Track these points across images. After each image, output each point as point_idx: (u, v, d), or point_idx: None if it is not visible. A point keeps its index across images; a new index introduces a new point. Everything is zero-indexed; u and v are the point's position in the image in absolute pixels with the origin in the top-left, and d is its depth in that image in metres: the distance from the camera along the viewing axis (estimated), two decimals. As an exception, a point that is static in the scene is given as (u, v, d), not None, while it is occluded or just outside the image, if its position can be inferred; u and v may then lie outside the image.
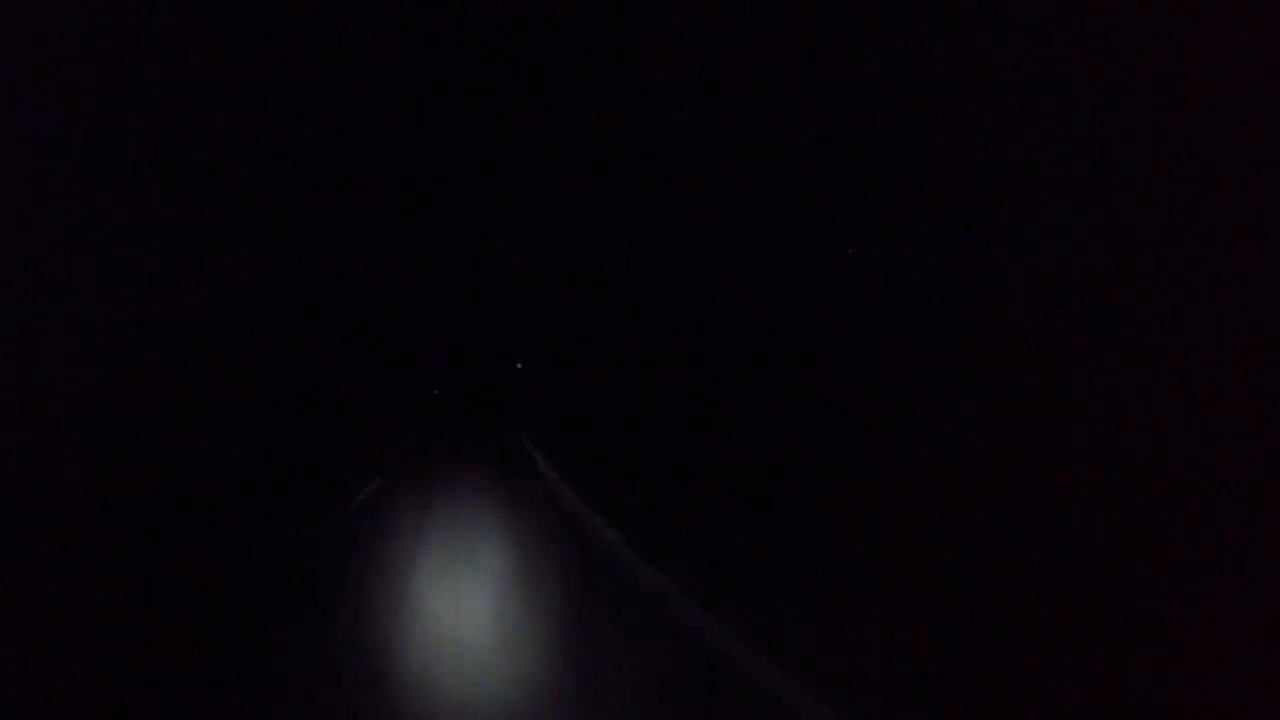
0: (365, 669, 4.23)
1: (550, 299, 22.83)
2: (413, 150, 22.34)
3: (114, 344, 6.48)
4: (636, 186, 11.55)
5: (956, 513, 4.15)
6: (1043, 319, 3.57)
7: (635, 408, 11.66)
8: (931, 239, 4.42)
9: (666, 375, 10.00)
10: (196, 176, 8.19)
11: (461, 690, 3.97)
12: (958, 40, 4.16)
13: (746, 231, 7.19)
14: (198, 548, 7.02)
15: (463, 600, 5.61)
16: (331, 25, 13.31)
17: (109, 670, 4.16)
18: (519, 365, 35.10)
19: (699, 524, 7.65)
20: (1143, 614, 3.00)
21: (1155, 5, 2.98)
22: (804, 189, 5.99)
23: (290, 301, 12.02)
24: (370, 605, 5.47)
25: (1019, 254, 3.72)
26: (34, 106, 5.48)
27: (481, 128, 21.64)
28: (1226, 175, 2.73)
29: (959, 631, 3.98)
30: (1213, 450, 2.75)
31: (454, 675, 4.16)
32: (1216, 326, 2.75)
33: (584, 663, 4.33)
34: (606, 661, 4.35)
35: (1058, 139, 3.48)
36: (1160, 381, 2.96)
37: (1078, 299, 3.36)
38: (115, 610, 5.14)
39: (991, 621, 3.85)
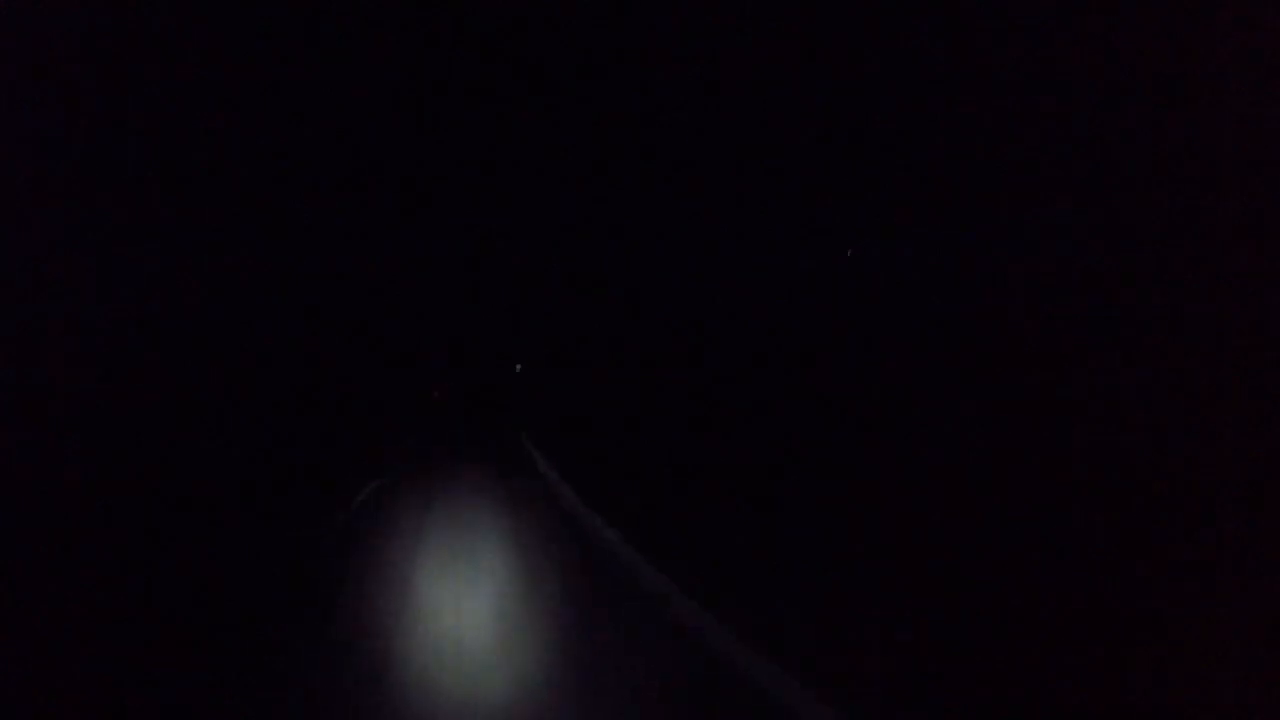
0: (365, 669, 4.23)
1: (550, 299, 22.82)
2: (413, 150, 22.34)
3: (114, 344, 6.48)
4: (636, 186, 11.55)
5: (956, 513, 4.15)
6: (1043, 319, 3.57)
7: (635, 408, 11.66)
8: (931, 239, 4.42)
9: (666, 375, 10.00)
10: (196, 176, 8.19)
11: (461, 690, 3.97)
12: (958, 40, 4.16)
13: (746, 231, 7.19)
14: (198, 548, 7.02)
15: (463, 600, 5.61)
16: (331, 25, 13.31)
17: (109, 670, 4.16)
18: (518, 367, 35.12)
19: (699, 524, 7.65)
20: (1143, 614, 3.00)
21: (1155, 5, 2.98)
22: (804, 189, 5.98)
23: (290, 301, 12.02)
24: (370, 605, 5.47)
25: (1019, 254, 3.72)
26: (34, 106, 5.48)
27: (481, 128, 21.64)
28: (1226, 175, 2.73)
29: (959, 631, 3.98)
30: (1213, 450, 2.75)
31: (454, 675, 4.16)
32: (1216, 326, 2.75)
33: (584, 662, 4.33)
34: (606, 661, 4.35)
35: (1058, 139, 3.48)
36: (1160, 381, 2.96)
37: (1078, 299, 3.36)
38: (115, 610, 5.14)
39: (991, 621, 3.85)
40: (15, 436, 5.25)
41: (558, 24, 15.00)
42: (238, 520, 8.37)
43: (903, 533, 4.64)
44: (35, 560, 5.40)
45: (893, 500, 4.76)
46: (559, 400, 21.03)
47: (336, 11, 13.38)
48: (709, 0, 7.81)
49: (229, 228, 9.24)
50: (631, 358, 11.97)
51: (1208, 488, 2.76)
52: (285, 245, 11.73)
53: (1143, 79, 3.04)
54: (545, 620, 5.07)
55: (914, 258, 4.58)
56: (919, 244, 4.53)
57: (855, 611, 4.65)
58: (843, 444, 5.40)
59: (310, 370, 13.29)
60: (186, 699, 3.81)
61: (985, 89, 3.96)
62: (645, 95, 10.68)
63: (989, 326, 3.94)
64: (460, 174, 25.01)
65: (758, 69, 6.75)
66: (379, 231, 21.31)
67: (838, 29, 5.35)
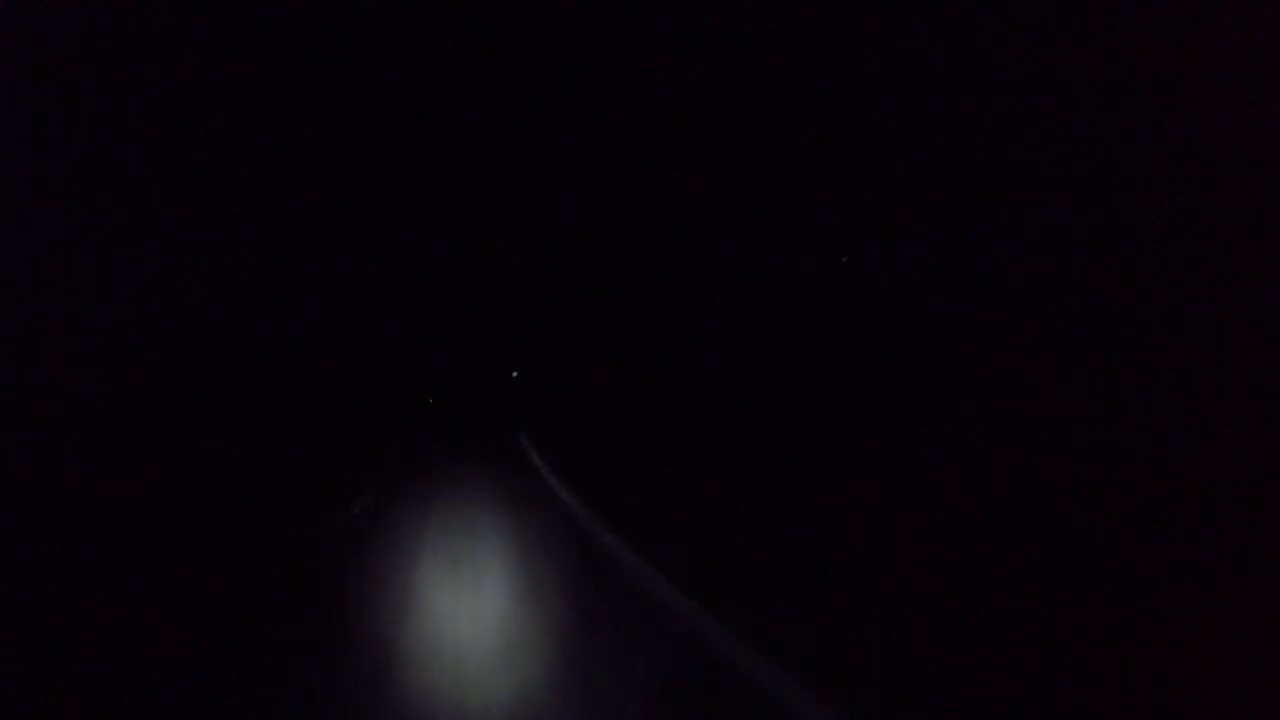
0: (365, 669, 4.23)
1: (550, 299, 22.82)
2: (413, 150, 22.34)
3: (114, 344, 6.49)
4: (636, 186, 11.55)
5: (956, 513, 4.15)
6: (1043, 319, 3.57)
7: (635, 408, 11.66)
8: (931, 239, 4.42)
9: (666, 375, 10.00)
10: (196, 176, 8.19)
11: (461, 690, 3.97)
12: (958, 40, 4.16)
13: (746, 231, 7.19)
14: (198, 548, 7.02)
15: (462, 600, 5.61)
16: (331, 25, 13.31)
17: (109, 670, 4.16)
18: (514, 374, 35.17)
19: (699, 524, 7.65)
20: (1143, 614, 3.00)
21: (1155, 5, 2.98)
22: (804, 189, 5.98)
23: (290, 301, 12.02)
24: (370, 605, 5.47)
25: (1019, 254, 3.72)
26: (34, 106, 5.48)
27: (481, 128, 21.64)
28: (1226, 175, 2.73)
29: (959, 631, 3.98)
30: (1213, 450, 2.75)
31: (454, 675, 4.16)
32: (1216, 326, 2.75)
33: (584, 662, 4.33)
34: (606, 661, 4.35)
35: (1058, 139, 3.48)
36: (1160, 381, 2.96)
37: (1078, 299, 3.36)
38: (115, 610, 5.15)
39: (991, 621, 3.85)
40: (15, 436, 5.25)
41: (558, 24, 15.00)
42: (238, 520, 8.38)
43: (903, 533, 4.64)
44: (35, 560, 5.40)
45: (893, 500, 4.76)
46: (558, 400, 21.02)
47: (336, 11, 13.38)
48: (709, 0, 7.81)
49: (229, 228, 9.24)
50: (631, 358, 11.97)
51: (1208, 488, 2.76)
52: (285, 245, 11.74)
53: (1143, 79, 3.04)
54: (544, 619, 5.07)
55: (914, 258, 4.58)
56: (919, 244, 4.53)
57: (855, 611, 4.65)
58: (843, 444, 5.39)
59: (310, 370, 13.29)
60: (186, 699, 3.81)
61: (985, 89, 3.96)
62: (645, 95, 10.67)
63: (989, 326, 3.94)
64: (460, 174, 25.01)
65: (758, 69, 6.75)
66: (379, 231, 21.31)
67: (838, 29, 5.35)
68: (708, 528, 7.44)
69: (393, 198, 23.05)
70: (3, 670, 4.05)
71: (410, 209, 26.04)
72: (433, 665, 4.31)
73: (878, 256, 4.93)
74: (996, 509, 3.84)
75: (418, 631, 4.90)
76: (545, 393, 24.24)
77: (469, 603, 5.55)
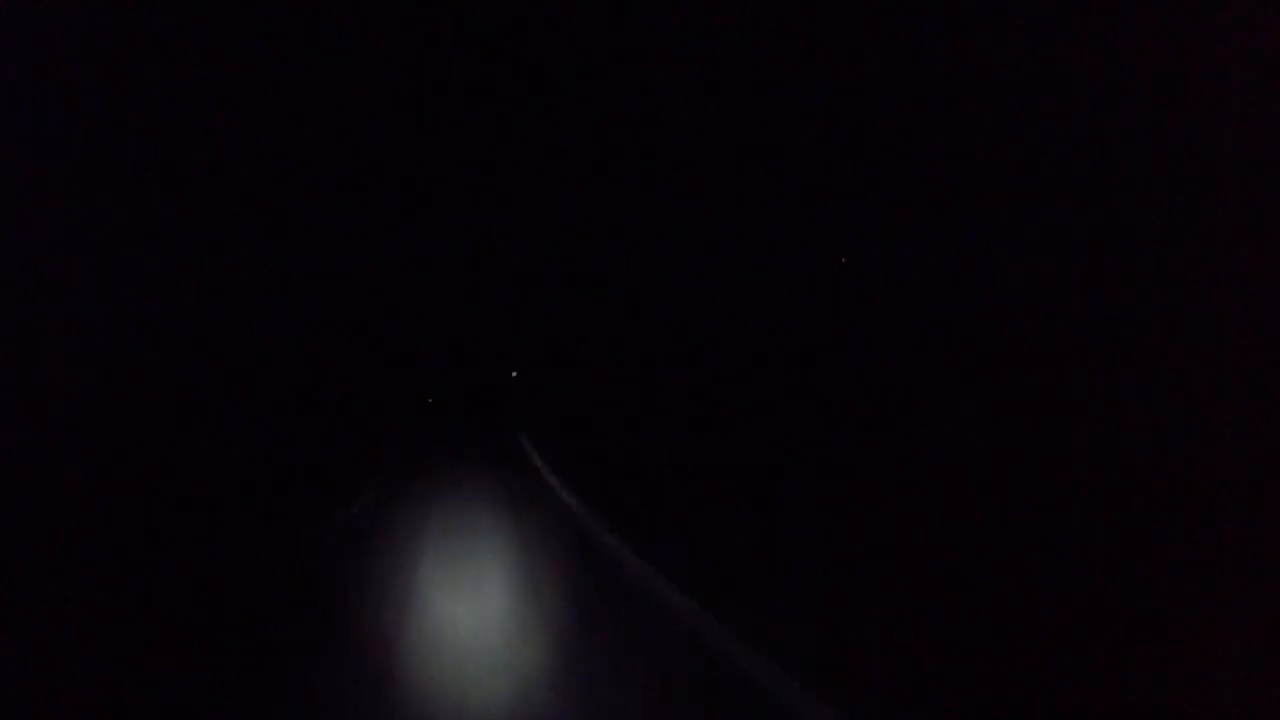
0: (366, 669, 4.23)
1: (550, 299, 22.82)
2: (413, 150, 22.34)
3: (114, 344, 6.49)
4: (636, 186, 11.55)
5: (956, 513, 4.15)
6: (1043, 319, 3.57)
7: (635, 408, 11.66)
8: (931, 239, 4.42)
9: (666, 375, 10.00)
10: (196, 176, 8.19)
11: (462, 690, 3.97)
12: (958, 40, 4.16)
13: (746, 231, 7.19)
14: (198, 548, 7.03)
15: (462, 599, 5.61)
16: (331, 25, 13.31)
17: (109, 670, 4.17)
18: (514, 374, 35.17)
19: (699, 524, 7.65)
20: (1143, 614, 3.00)
21: (1155, 5, 2.98)
22: (804, 189, 5.98)
23: (290, 301, 12.02)
24: (370, 605, 5.47)
25: (1019, 254, 3.72)
26: (34, 106, 5.48)
27: (481, 128, 21.64)
28: (1226, 175, 2.73)
29: (959, 631, 3.98)
30: (1213, 450, 2.75)
31: (454, 675, 4.17)
32: (1216, 326, 2.75)
33: (584, 662, 4.33)
34: (606, 661, 4.35)
35: (1058, 139, 3.48)
36: (1160, 381, 2.96)
37: (1078, 299, 3.36)
38: (115, 610, 5.15)
39: (991, 621, 3.85)
40: (15, 436, 5.25)
41: (558, 24, 15.00)
42: (238, 520, 8.38)
43: (903, 533, 4.65)
44: (35, 560, 5.40)
45: (893, 500, 4.76)
46: (558, 400, 21.03)
47: (336, 11, 13.38)
48: (709, 0, 7.81)
49: (229, 228, 9.24)
50: (631, 358, 11.97)
51: (1208, 488, 2.76)
52: (285, 245, 11.73)
53: (1143, 79, 3.04)
54: (545, 619, 5.07)
55: (914, 258, 4.58)
56: (919, 244, 4.53)
57: (855, 611, 4.65)
58: (843, 444, 5.40)
59: (310, 370, 13.29)
60: (186, 699, 3.81)
61: (985, 89, 3.96)
62: (645, 95, 10.67)
63: (989, 326, 3.94)
64: (460, 174, 25.01)
65: (758, 69, 6.75)
66: (379, 231, 21.31)
67: (838, 29, 5.35)
68: (708, 528, 7.44)
69: (393, 198, 23.05)
70: (3, 670, 4.06)
71: (410, 209, 26.04)
72: (433, 665, 4.31)
73: (878, 256, 4.93)
74: (996, 509, 3.84)
75: (418, 631, 4.90)
76: (545, 393, 24.24)
77: (469, 603, 5.55)
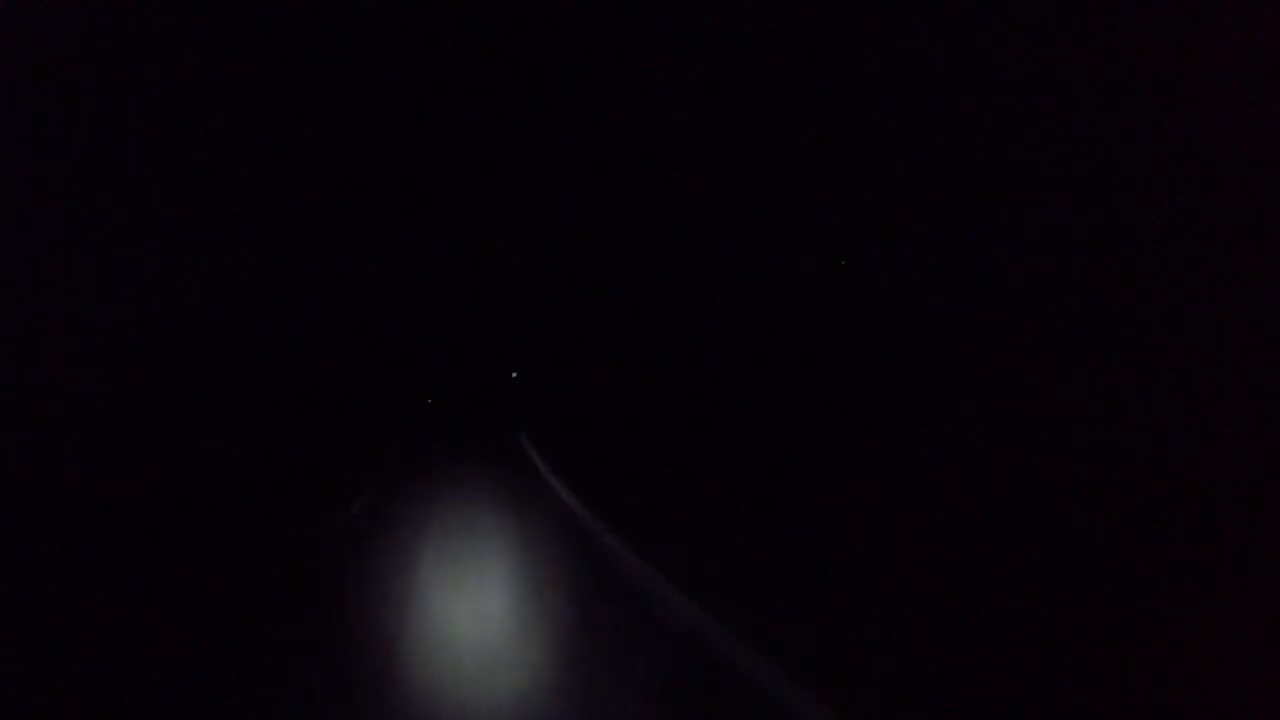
0: (366, 669, 4.23)
1: (550, 299, 22.82)
2: (413, 150, 22.34)
3: (114, 344, 6.49)
4: (636, 186, 11.55)
5: (956, 513, 4.15)
6: (1043, 319, 3.57)
7: (635, 408, 11.66)
8: (931, 239, 4.42)
9: (666, 375, 10.00)
10: (196, 176, 8.19)
11: (462, 690, 3.97)
12: (958, 40, 4.16)
13: (746, 231, 7.19)
14: (198, 548, 7.02)
15: (463, 599, 5.61)
16: (331, 25, 13.31)
17: (109, 670, 4.16)
18: (514, 374, 35.16)
19: (699, 524, 7.65)
20: (1143, 614, 3.00)
21: (1155, 5, 2.98)
22: (804, 189, 5.98)
23: (290, 301, 12.02)
24: (370, 605, 5.47)
25: (1019, 254, 3.72)
26: (34, 106, 5.48)
27: (481, 128, 21.63)
28: (1226, 175, 2.73)
29: (959, 631, 3.98)
30: (1213, 450, 2.75)
31: (455, 675, 4.17)
32: (1216, 326, 2.75)
33: (584, 662, 4.33)
34: (606, 661, 4.35)
35: (1058, 139, 3.48)
36: (1160, 381, 2.96)
37: (1078, 299, 3.36)
38: (115, 610, 5.15)
39: (991, 621, 3.85)
40: (15, 436, 5.25)
41: (558, 24, 15.00)
42: (238, 520, 8.37)
43: (903, 533, 4.65)
44: (35, 560, 5.40)
45: (893, 500, 4.76)
46: (558, 400, 21.04)
47: (336, 12, 13.38)
48: (709, 0, 7.81)
49: (229, 228, 9.24)
50: (631, 358, 11.97)
51: (1208, 488, 2.76)
52: (285, 245, 11.73)
53: (1143, 79, 3.04)
54: (545, 619, 5.07)
55: (914, 258, 4.58)
56: (919, 244, 4.53)
57: (855, 611, 4.65)
58: (843, 444, 5.40)
59: (310, 370, 13.29)
60: (186, 699, 3.81)
61: (985, 89, 3.96)
62: (645, 95, 10.67)
63: (989, 326, 3.94)
64: (460, 174, 25.01)
65: (758, 69, 6.75)
66: (379, 231, 21.30)
67: (838, 29, 5.35)
68: (708, 528, 7.44)
69: (393, 198, 23.04)
70: (3, 670, 4.06)
71: (410, 209, 26.04)
72: (433, 665, 4.31)
73: (878, 257, 4.93)
74: (996, 509, 3.84)
75: (418, 631, 4.90)
76: (545, 393, 24.25)
77: (469, 603, 5.55)
